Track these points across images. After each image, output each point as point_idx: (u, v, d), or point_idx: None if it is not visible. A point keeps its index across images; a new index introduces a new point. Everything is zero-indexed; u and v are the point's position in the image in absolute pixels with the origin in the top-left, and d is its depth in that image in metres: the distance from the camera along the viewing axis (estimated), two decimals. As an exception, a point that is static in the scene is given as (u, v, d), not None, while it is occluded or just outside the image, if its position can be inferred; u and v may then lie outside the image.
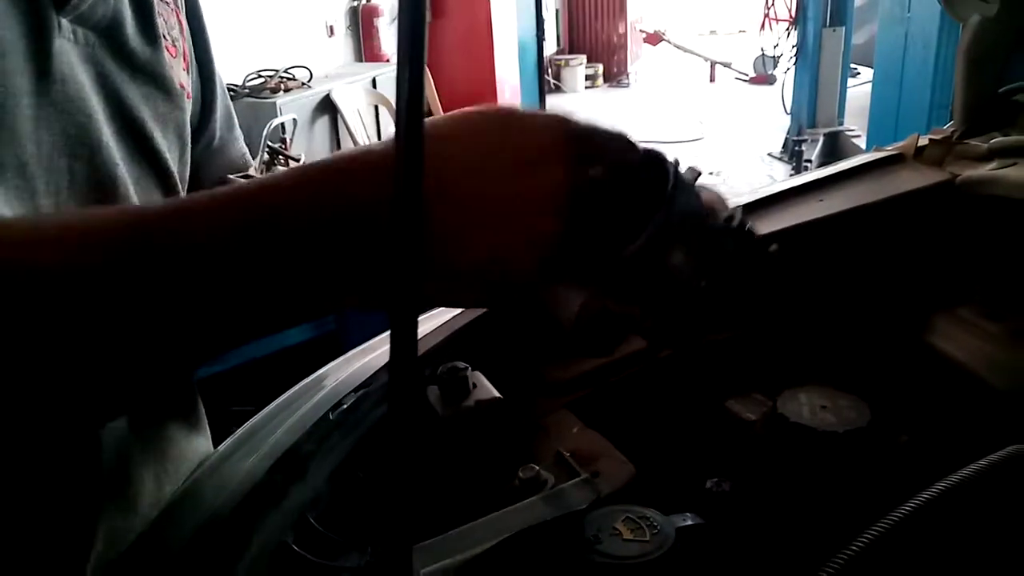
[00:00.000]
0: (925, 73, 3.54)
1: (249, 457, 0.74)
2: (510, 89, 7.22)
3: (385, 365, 0.87)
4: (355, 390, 0.82)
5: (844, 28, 6.24)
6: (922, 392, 1.00)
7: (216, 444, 0.91)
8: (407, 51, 0.38)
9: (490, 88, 6.85)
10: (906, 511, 0.66)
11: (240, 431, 0.87)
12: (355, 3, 5.99)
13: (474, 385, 0.86)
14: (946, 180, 1.14)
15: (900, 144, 1.29)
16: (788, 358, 0.99)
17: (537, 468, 0.77)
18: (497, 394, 0.86)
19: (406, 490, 0.38)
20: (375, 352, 0.94)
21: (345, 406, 0.79)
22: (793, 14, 6.93)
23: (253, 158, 3.37)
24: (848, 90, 6.59)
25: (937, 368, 1.02)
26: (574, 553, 0.67)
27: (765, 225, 1.08)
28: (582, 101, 9.93)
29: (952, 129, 1.28)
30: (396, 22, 0.39)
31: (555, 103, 8.96)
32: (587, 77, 11.03)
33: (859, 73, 7.71)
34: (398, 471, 0.38)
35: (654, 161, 0.55)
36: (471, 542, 0.67)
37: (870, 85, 6.26)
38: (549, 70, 10.11)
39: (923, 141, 1.27)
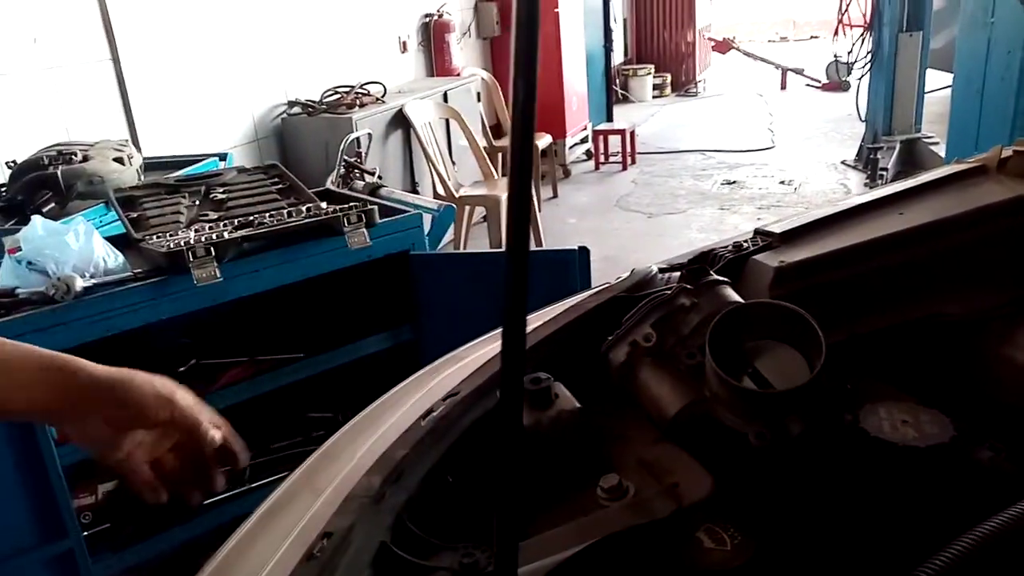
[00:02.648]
0: (1009, 79, 3.42)
1: (346, 462, 0.79)
2: (577, 98, 7.25)
3: (472, 374, 0.91)
4: (444, 398, 0.86)
5: (922, 33, 6.08)
6: (1005, 407, 0.99)
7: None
8: (522, 67, 0.42)
9: (558, 99, 6.89)
10: (988, 529, 0.67)
11: (335, 437, 0.92)
12: (427, 19, 6.11)
13: (556, 395, 0.89)
14: (1031, 193, 1.12)
15: (983, 156, 1.27)
16: (867, 371, 0.99)
17: (619, 477, 0.80)
18: (578, 404, 0.89)
19: (517, 488, 0.41)
20: (461, 362, 0.98)
21: (436, 413, 0.83)
22: (868, 19, 6.78)
23: (331, 172, 3.44)
24: (925, 95, 6.41)
25: (1020, 383, 1.01)
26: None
27: (845, 238, 1.08)
28: (650, 111, 9.89)
29: (1037, 141, 1.26)
30: (513, 38, 0.43)
31: (622, 113, 8.95)
32: (655, 87, 10.97)
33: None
34: (510, 470, 0.41)
35: None
36: (556, 548, 0.70)
37: (947, 90, 6.07)
38: (617, 80, 10.09)
39: (1007, 152, 1.25)
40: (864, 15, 6.98)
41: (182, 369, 2.23)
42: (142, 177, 2.79)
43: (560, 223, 5.76)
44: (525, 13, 0.43)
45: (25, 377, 0.80)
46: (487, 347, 1.04)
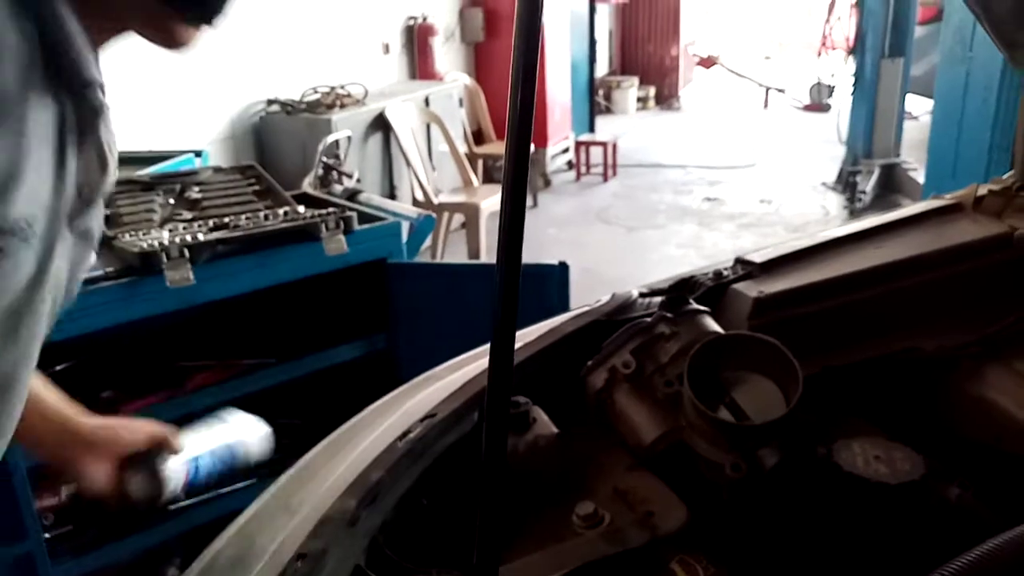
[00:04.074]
0: (986, 114, 3.49)
1: (321, 482, 0.78)
2: (560, 108, 7.27)
3: (450, 396, 0.90)
4: (421, 419, 0.86)
5: (903, 59, 6.17)
6: (974, 445, 1.01)
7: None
8: (520, 76, 0.42)
9: (541, 107, 6.91)
10: (957, 567, 0.67)
11: (307, 457, 0.91)
12: (411, 22, 6.10)
13: (534, 419, 0.89)
14: (1004, 233, 1.15)
15: (959, 193, 1.29)
16: (840, 404, 1.00)
17: (594, 505, 0.80)
18: (556, 429, 0.89)
19: (498, 512, 0.41)
20: (439, 382, 0.97)
21: (412, 435, 0.82)
22: (851, 43, 6.86)
23: (309, 173, 3.40)
24: (905, 121, 6.50)
25: (991, 421, 1.03)
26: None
27: (823, 271, 1.10)
28: (632, 123, 9.95)
29: (1012, 180, 1.29)
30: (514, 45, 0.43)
31: (605, 125, 8.99)
32: (638, 99, 11.02)
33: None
34: (490, 495, 0.41)
35: None
36: (532, 574, 0.70)
37: (926, 117, 6.15)
38: (600, 91, 10.13)
39: (982, 191, 1.27)
40: (847, 38, 7.07)
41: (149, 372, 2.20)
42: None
43: (540, 233, 5.77)
44: (526, 25, 0.43)
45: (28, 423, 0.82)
46: (465, 368, 1.03)
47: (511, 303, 0.47)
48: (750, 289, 1.06)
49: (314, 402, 2.37)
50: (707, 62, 11.81)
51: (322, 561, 0.67)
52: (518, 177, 0.44)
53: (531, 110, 0.45)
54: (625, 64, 11.63)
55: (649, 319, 0.95)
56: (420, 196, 4.81)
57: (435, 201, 4.78)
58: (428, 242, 4.59)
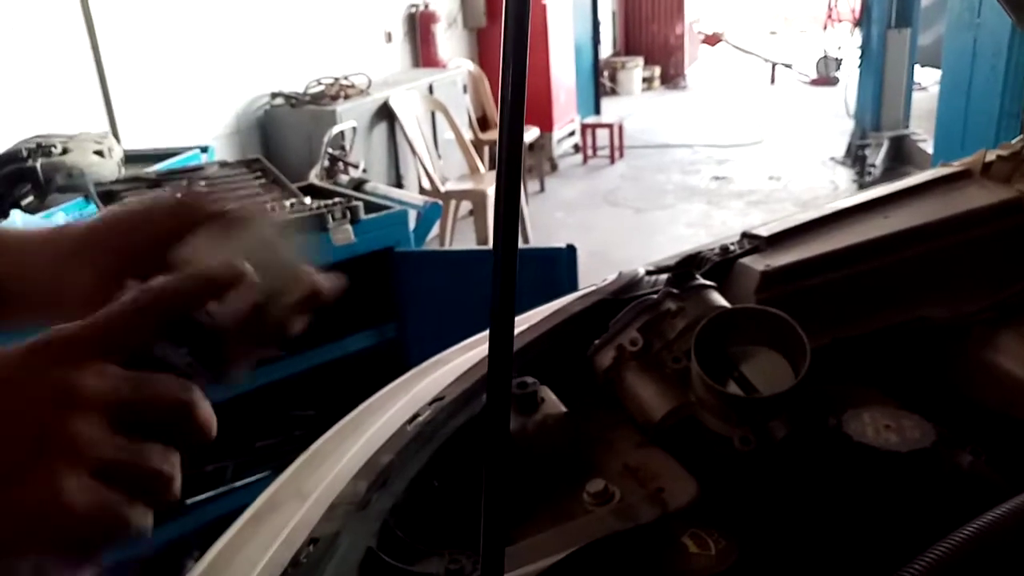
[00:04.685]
0: (995, 80, 3.44)
1: (333, 467, 0.79)
2: (565, 91, 7.23)
3: (458, 379, 0.91)
4: (430, 402, 0.86)
5: (910, 29, 6.10)
6: (987, 412, 1.00)
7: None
8: (512, 61, 0.42)
9: (545, 91, 6.88)
10: (966, 534, 0.67)
11: (320, 441, 0.92)
12: (412, 9, 6.07)
13: (542, 399, 0.89)
14: (1014, 198, 1.13)
15: (967, 160, 1.28)
16: (851, 375, 1.00)
17: (604, 482, 0.80)
18: (564, 409, 0.89)
19: (503, 493, 0.41)
20: (447, 366, 0.97)
21: (421, 418, 0.83)
22: (857, 14, 6.79)
23: (314, 165, 3.42)
24: (913, 92, 6.43)
25: (1002, 387, 1.02)
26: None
27: (831, 242, 1.09)
28: (638, 104, 9.89)
29: (1021, 145, 1.27)
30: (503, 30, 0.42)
31: (610, 106, 8.94)
32: (644, 79, 10.96)
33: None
34: (495, 476, 0.41)
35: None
36: (543, 553, 0.70)
37: (935, 87, 6.09)
38: (605, 72, 10.08)
39: (990, 157, 1.26)
40: (853, 10, 6.99)
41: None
42: (122, 170, 2.76)
43: (547, 217, 5.76)
44: (514, 8, 0.42)
45: None
46: (473, 351, 1.03)
47: (509, 278, 0.47)
48: (757, 263, 1.05)
49: (327, 393, 2.39)
50: (712, 39, 11.72)
51: (334, 544, 0.68)
52: (513, 147, 0.44)
53: (523, 87, 0.44)
54: (630, 44, 11.56)
55: (655, 296, 0.95)
56: (427, 184, 4.81)
57: (442, 189, 4.77)
58: (436, 230, 4.59)
